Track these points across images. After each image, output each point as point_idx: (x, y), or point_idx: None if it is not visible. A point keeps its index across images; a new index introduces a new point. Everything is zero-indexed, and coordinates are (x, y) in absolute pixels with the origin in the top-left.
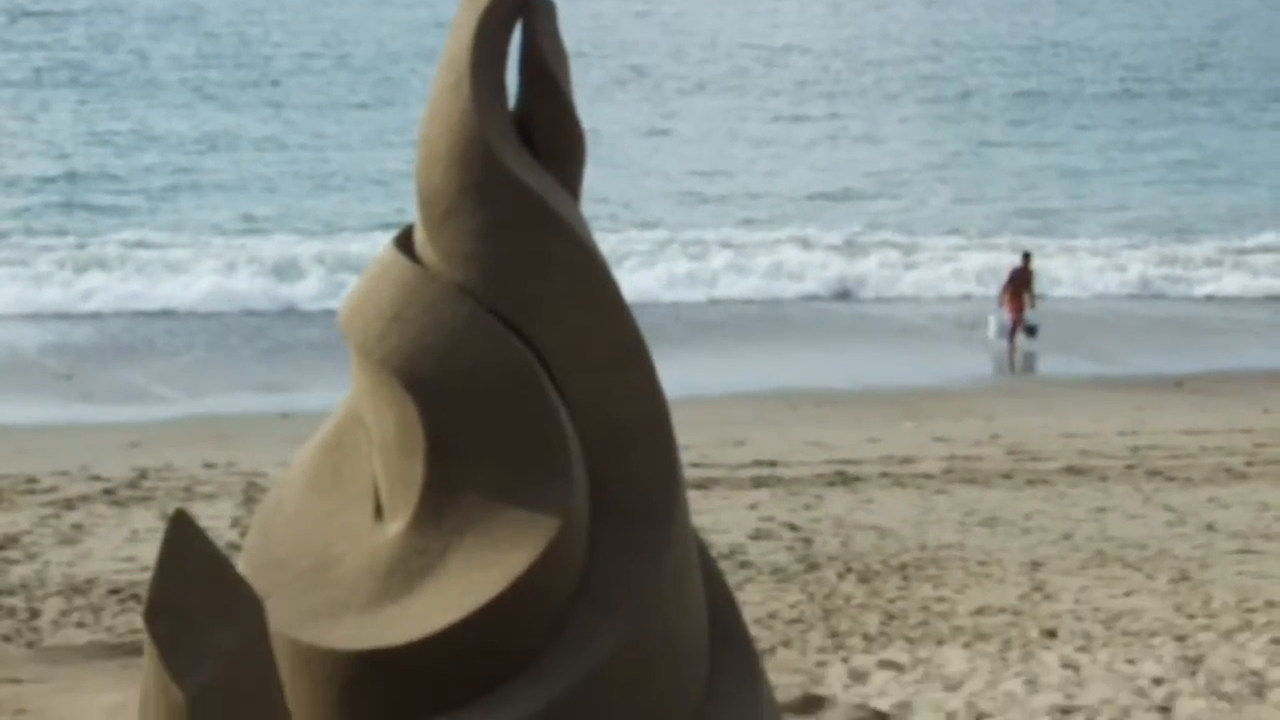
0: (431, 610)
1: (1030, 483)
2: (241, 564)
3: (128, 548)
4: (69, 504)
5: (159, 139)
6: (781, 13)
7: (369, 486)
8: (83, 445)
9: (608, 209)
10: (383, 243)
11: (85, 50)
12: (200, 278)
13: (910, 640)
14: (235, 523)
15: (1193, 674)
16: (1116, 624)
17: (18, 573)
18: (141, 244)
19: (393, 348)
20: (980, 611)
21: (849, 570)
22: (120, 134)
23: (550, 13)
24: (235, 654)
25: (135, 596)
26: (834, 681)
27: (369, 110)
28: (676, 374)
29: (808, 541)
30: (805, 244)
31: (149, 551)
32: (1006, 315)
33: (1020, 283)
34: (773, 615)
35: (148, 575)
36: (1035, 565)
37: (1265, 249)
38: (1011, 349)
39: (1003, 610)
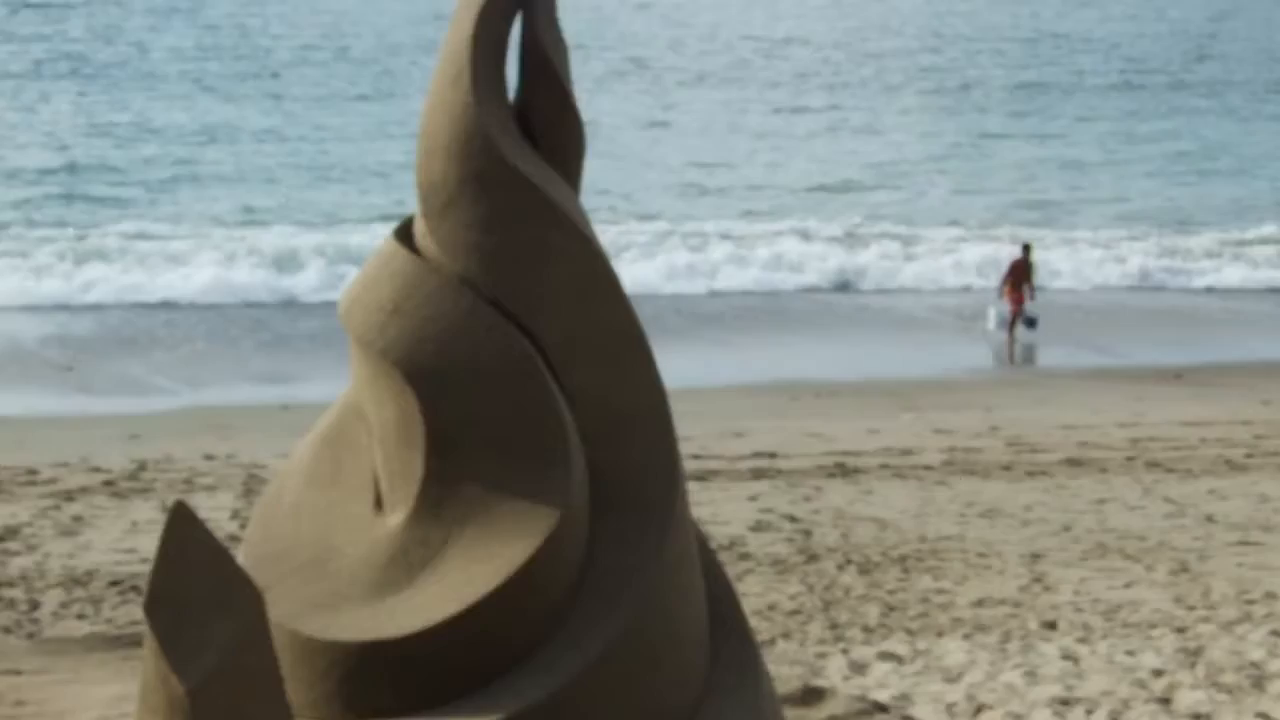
0: (432, 601)
1: (1030, 474)
2: (241, 556)
3: (128, 539)
4: (69, 495)
5: (159, 131)
6: (781, 4)
7: (369, 478)
8: (83, 437)
9: (608, 201)
10: (383, 235)
11: (85, 42)
12: (200, 269)
13: (910, 632)
14: (235, 514)
15: (1192, 666)
16: (1116, 616)
17: (18, 564)
18: (142, 236)
19: (393, 339)
20: (980, 603)
21: (849, 562)
22: (120, 126)
23: (550, 5)
24: (235, 646)
25: (135, 588)
26: (834, 673)
27: (369, 102)
28: (676, 365)
29: (807, 533)
30: (805, 236)
31: (149, 543)
32: (1006, 307)
33: (1020, 274)
34: (772, 607)
35: (148, 567)
36: (1035, 557)
37: (1265, 240)
38: (1011, 340)
39: (1002, 602)
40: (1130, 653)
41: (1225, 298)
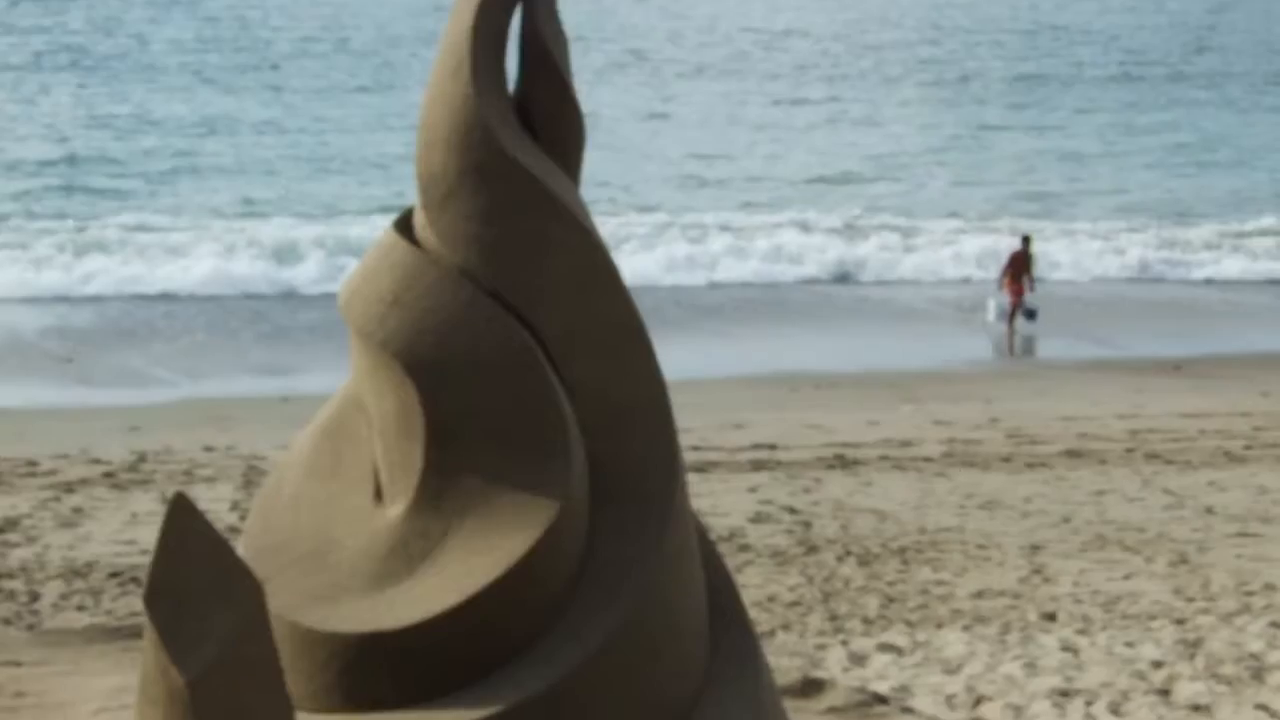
0: (431, 593)
1: (1029, 466)
2: (241, 547)
3: (128, 531)
4: (69, 487)
5: (159, 122)
6: None
7: (369, 470)
8: (83, 428)
9: (607, 192)
10: (383, 226)
11: (85, 34)
12: (200, 261)
13: (910, 623)
14: (235, 506)
15: (1192, 657)
16: (1116, 607)
17: (17, 556)
18: (141, 227)
19: (393, 331)
20: (979, 594)
21: (848, 553)
22: (120, 117)
23: None
24: (235, 637)
25: (135, 580)
26: (833, 664)
27: (369, 94)
28: (676, 357)
29: (807, 525)
30: (805, 227)
31: (149, 535)
32: (1006, 298)
33: (1019, 266)
34: (772, 598)
35: (148, 558)
36: (1034, 548)
37: (1264, 232)
38: (1011, 332)
39: (1002, 593)
40: (1130, 644)
41: (1224, 289)
